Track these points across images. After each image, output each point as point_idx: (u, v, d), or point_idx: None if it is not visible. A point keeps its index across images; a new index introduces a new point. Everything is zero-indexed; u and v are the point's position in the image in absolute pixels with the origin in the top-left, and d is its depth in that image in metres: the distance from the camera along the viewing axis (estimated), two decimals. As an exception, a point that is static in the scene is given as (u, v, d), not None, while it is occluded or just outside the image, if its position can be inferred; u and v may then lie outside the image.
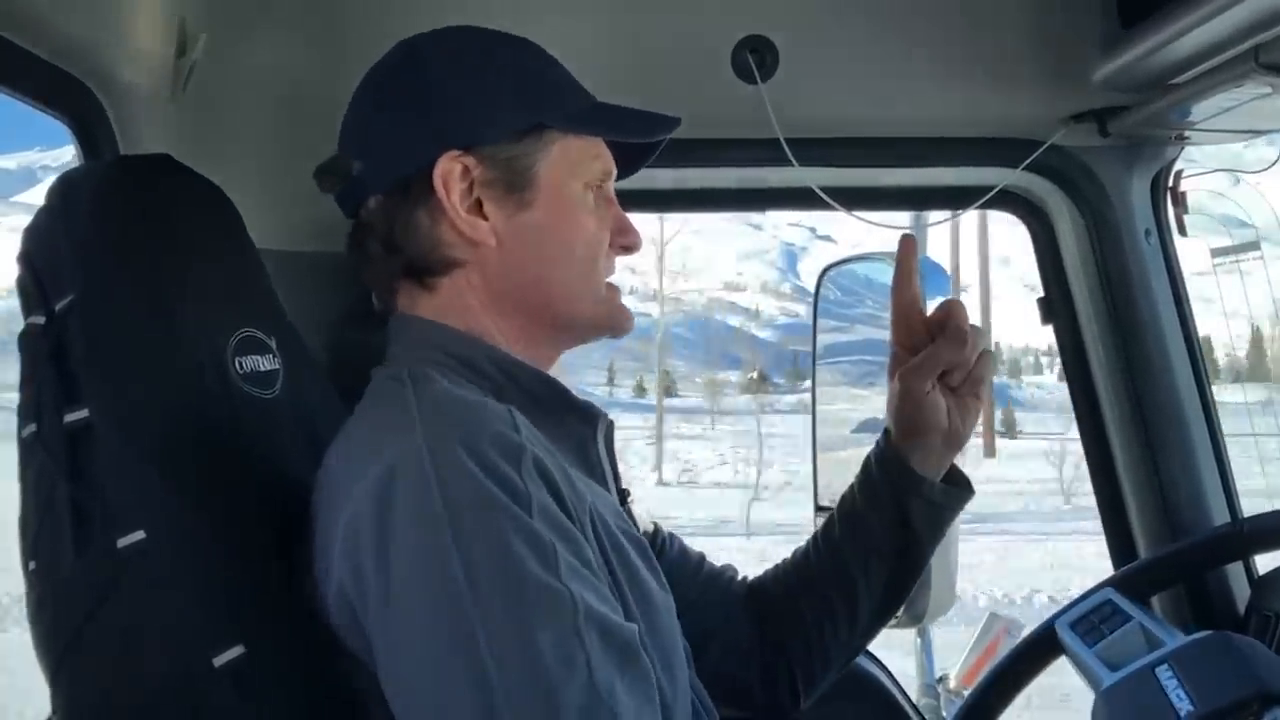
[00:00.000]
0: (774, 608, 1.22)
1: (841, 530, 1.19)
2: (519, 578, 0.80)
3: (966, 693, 1.39)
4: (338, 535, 0.86)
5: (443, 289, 1.02)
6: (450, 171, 0.99)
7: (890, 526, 1.16)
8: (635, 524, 1.07)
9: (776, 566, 1.26)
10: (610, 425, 1.07)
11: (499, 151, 1.01)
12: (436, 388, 0.92)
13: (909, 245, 1.19)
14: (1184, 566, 1.40)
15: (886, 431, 1.18)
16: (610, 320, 1.07)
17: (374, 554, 0.83)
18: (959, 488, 1.18)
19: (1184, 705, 1.00)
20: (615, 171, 1.08)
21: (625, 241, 1.08)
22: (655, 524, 1.20)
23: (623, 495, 1.09)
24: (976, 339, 1.13)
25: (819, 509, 1.75)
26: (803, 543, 1.25)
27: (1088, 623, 1.23)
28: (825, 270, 1.90)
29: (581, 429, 1.04)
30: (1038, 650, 1.29)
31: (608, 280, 1.08)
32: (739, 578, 1.27)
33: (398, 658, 0.83)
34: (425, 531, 0.81)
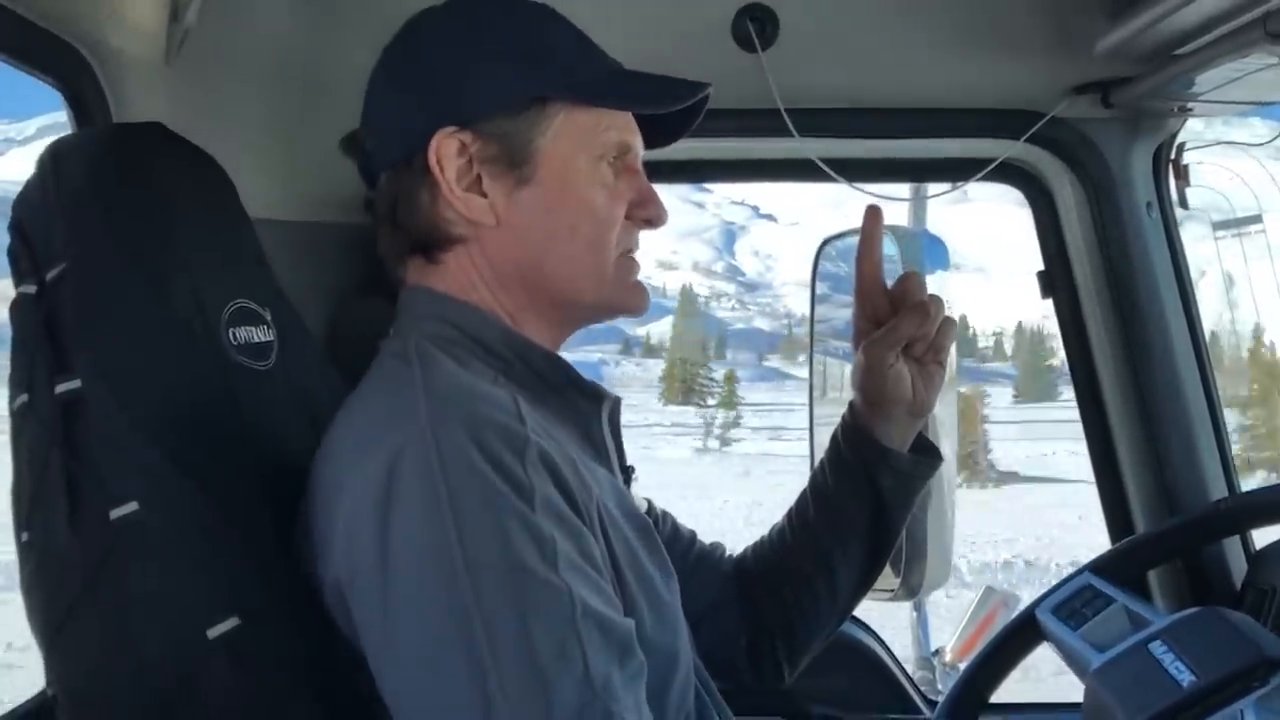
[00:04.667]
0: (755, 585, 1.23)
1: (814, 506, 1.21)
2: (518, 571, 0.80)
3: (962, 666, 1.39)
4: (339, 525, 0.86)
5: (448, 263, 1.01)
6: (446, 148, 0.97)
7: (861, 499, 1.17)
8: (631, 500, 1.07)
9: (758, 543, 1.27)
10: (616, 404, 1.07)
11: (498, 126, 0.98)
12: (442, 371, 0.91)
13: (875, 217, 1.18)
14: (1164, 548, 1.40)
15: (851, 405, 1.19)
16: (618, 300, 1.04)
17: (374, 545, 0.83)
18: (927, 456, 1.19)
19: (1185, 676, 1.00)
20: (636, 142, 1.05)
21: (646, 214, 1.05)
22: (649, 502, 1.20)
23: (627, 474, 1.09)
24: (937, 310, 1.14)
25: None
26: (780, 518, 1.26)
27: (1069, 607, 1.24)
28: (824, 243, 1.89)
29: (587, 408, 1.03)
30: (1020, 638, 1.30)
31: (630, 255, 1.05)
32: (727, 555, 1.28)
33: (395, 647, 0.83)
34: (428, 523, 0.81)
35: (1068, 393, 1.94)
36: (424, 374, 0.90)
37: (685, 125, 1.08)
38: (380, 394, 0.95)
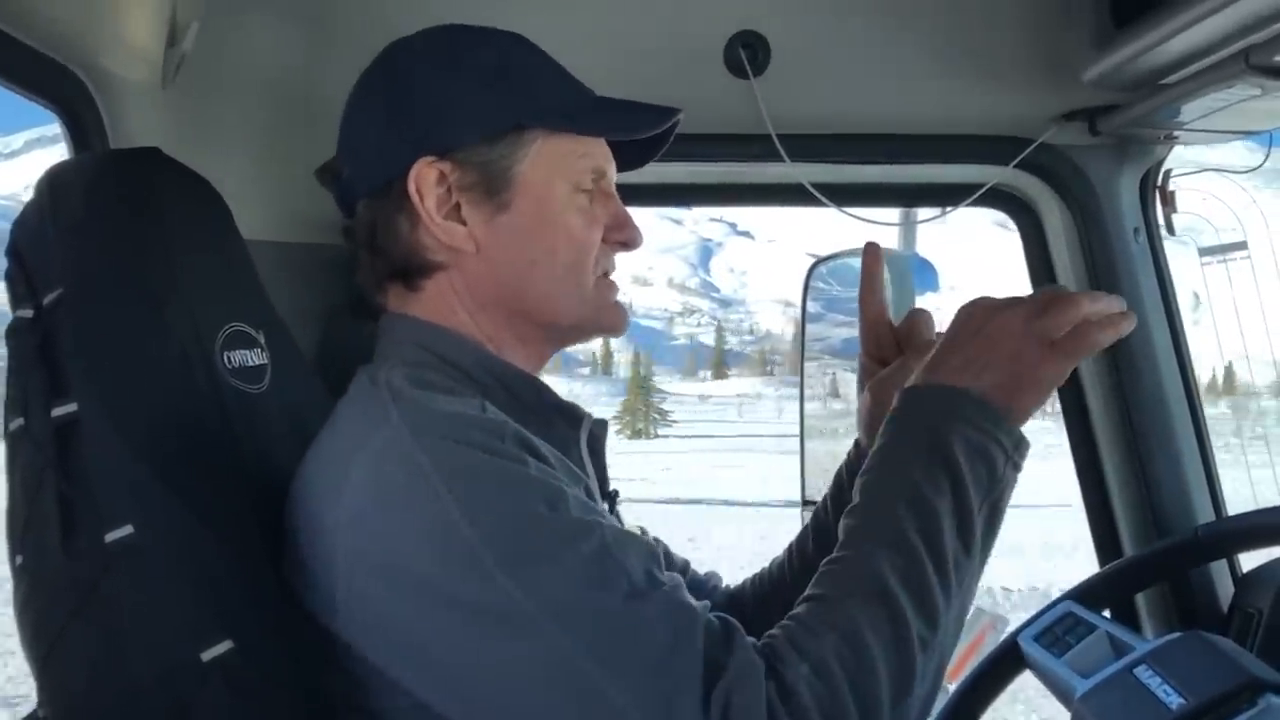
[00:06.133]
0: (751, 616, 1.22)
1: (815, 541, 1.20)
2: (534, 520, 0.81)
3: (951, 688, 1.40)
4: (337, 546, 0.86)
5: (427, 290, 1.02)
6: (424, 177, 0.98)
7: None
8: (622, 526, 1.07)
9: (756, 575, 1.26)
10: (602, 426, 1.07)
11: (475, 155, 0.99)
12: (410, 383, 0.92)
13: (874, 253, 1.17)
14: (1142, 575, 1.40)
15: (857, 443, 1.18)
16: (598, 320, 1.05)
17: (379, 551, 0.83)
18: None
19: (1174, 699, 1.01)
20: (611, 168, 1.06)
21: (622, 237, 1.06)
22: (641, 529, 1.20)
23: (611, 498, 1.09)
24: None
25: (806, 503, 1.76)
26: (780, 552, 1.25)
27: (1051, 635, 1.24)
28: (814, 265, 1.90)
29: (565, 431, 1.04)
30: (1001, 667, 1.30)
31: (609, 277, 1.06)
32: (721, 586, 1.27)
33: (437, 644, 0.83)
34: (428, 512, 0.82)
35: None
36: (391, 386, 0.91)
37: (656, 149, 1.10)
38: (351, 410, 0.95)
